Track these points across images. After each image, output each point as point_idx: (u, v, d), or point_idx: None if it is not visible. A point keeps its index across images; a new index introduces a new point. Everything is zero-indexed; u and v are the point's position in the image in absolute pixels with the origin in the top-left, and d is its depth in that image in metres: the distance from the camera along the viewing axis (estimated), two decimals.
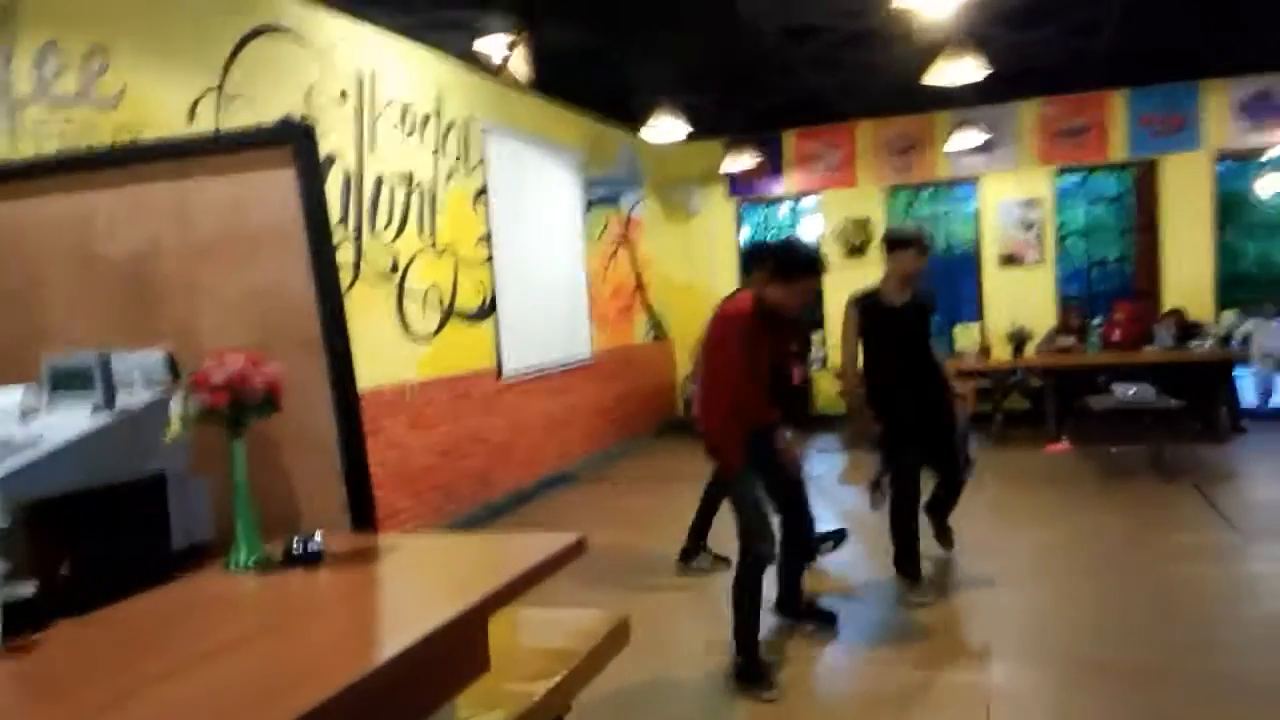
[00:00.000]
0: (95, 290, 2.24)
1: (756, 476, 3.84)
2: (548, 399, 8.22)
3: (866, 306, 4.75)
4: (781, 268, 3.76)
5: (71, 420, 1.88)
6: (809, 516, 4.22)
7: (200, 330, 2.18)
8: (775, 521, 3.95)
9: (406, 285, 6.34)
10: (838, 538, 5.54)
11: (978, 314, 10.45)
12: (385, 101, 6.19)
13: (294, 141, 2.11)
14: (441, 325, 6.73)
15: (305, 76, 5.51)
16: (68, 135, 4.08)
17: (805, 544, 4.35)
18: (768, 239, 11.53)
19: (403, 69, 6.43)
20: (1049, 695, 3.58)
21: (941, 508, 5.12)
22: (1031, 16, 6.91)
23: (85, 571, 1.67)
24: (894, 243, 4.74)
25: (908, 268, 4.66)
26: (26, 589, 1.53)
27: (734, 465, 3.79)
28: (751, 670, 3.71)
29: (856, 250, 10.60)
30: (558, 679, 2.28)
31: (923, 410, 4.66)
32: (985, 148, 9.89)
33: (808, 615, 4.36)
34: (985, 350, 9.76)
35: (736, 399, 3.74)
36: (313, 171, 2.12)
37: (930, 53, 6.45)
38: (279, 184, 2.12)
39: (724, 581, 4.43)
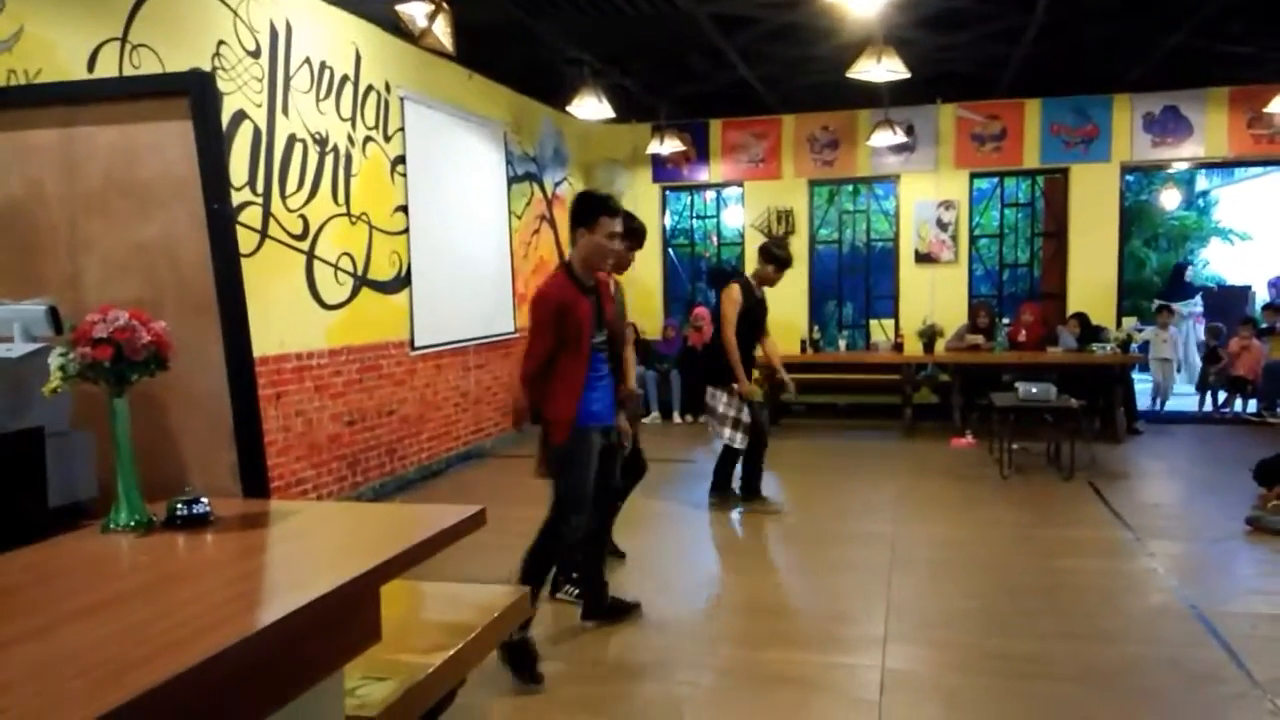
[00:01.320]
0: None
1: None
2: (463, 374, 8.13)
3: (747, 294, 6.08)
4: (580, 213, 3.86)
5: None
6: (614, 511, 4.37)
7: (86, 285, 2.10)
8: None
9: (317, 251, 6.17)
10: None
11: (893, 309, 10.68)
12: (300, 60, 6.01)
13: (192, 92, 2.03)
14: (353, 294, 6.59)
15: (215, 29, 5.31)
16: None
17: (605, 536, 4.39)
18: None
19: (319, 27, 6.25)
20: (942, 680, 3.68)
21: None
22: (953, 21, 7.06)
23: None
24: (772, 255, 6.18)
25: (769, 276, 6.20)
26: None
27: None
28: (523, 651, 3.59)
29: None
30: (453, 651, 2.26)
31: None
32: (905, 148, 10.10)
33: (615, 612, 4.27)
34: (898, 345, 9.98)
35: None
36: (211, 125, 2.05)
37: (855, 50, 6.54)
38: (175, 136, 2.04)
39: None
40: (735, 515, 6.32)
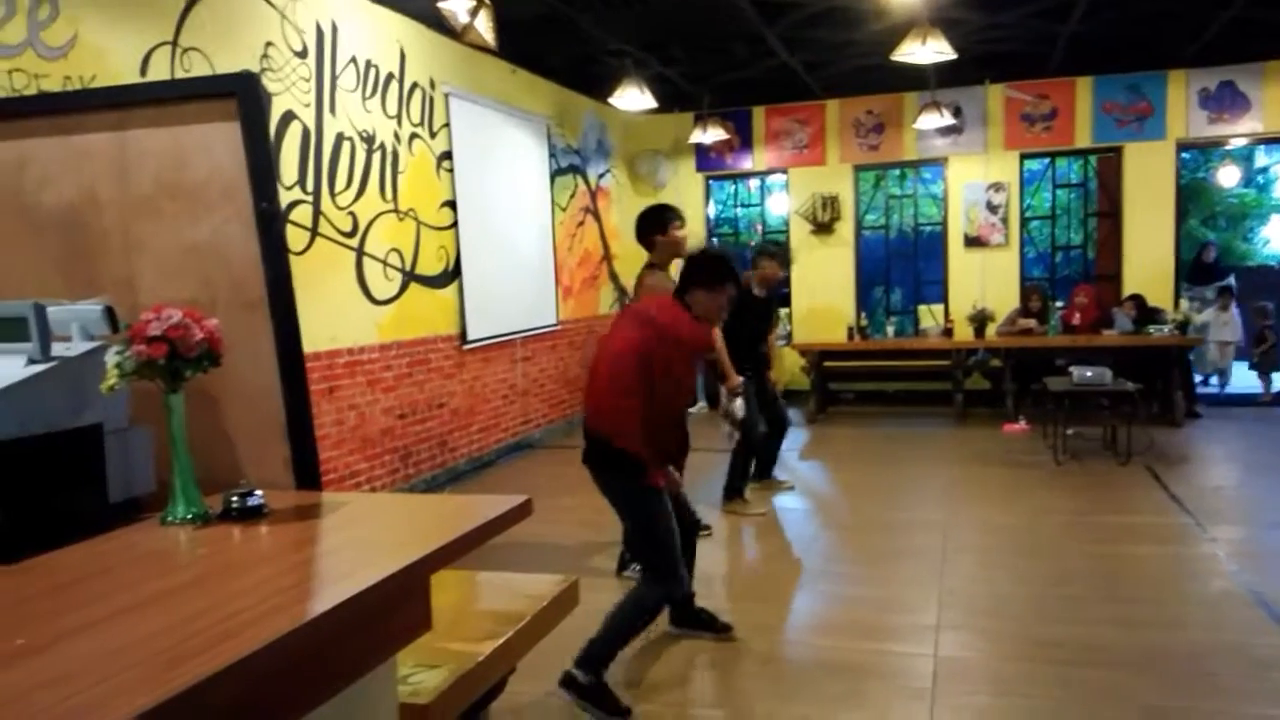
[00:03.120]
0: (29, 241, 2.18)
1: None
2: (511, 366, 8.19)
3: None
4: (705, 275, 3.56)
5: (5, 369, 1.84)
6: (690, 509, 4.16)
7: (140, 286, 2.14)
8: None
9: (366, 248, 6.26)
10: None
11: (942, 294, 10.53)
12: (346, 59, 6.09)
13: (240, 93, 2.06)
14: (402, 289, 6.66)
15: (263, 30, 5.40)
16: (13, 85, 3.97)
17: (691, 549, 3.98)
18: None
19: (364, 26, 6.32)
20: (994, 668, 3.64)
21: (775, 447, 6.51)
22: (1000, 0, 6.93)
23: (17, 519, 1.64)
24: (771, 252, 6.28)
25: (770, 274, 6.19)
26: None
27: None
28: (605, 697, 3.31)
29: (824, 228, 10.63)
30: (503, 639, 2.29)
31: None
32: (953, 130, 9.94)
33: (697, 620, 4.04)
34: (948, 330, 9.85)
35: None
36: (259, 125, 2.08)
37: (900, 32, 6.45)
38: (223, 137, 2.08)
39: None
40: (783, 502, 6.30)
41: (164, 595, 1.47)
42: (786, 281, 10.26)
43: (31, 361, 1.87)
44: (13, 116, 2.24)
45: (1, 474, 1.65)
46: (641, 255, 5.03)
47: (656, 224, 4.86)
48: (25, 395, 1.80)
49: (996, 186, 10.16)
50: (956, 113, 9.78)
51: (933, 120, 9.08)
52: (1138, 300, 9.40)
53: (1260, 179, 15.94)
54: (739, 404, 5.01)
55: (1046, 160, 10.62)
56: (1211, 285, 11.08)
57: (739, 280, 3.64)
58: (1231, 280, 11.67)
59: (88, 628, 1.33)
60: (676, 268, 4.01)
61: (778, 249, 6.40)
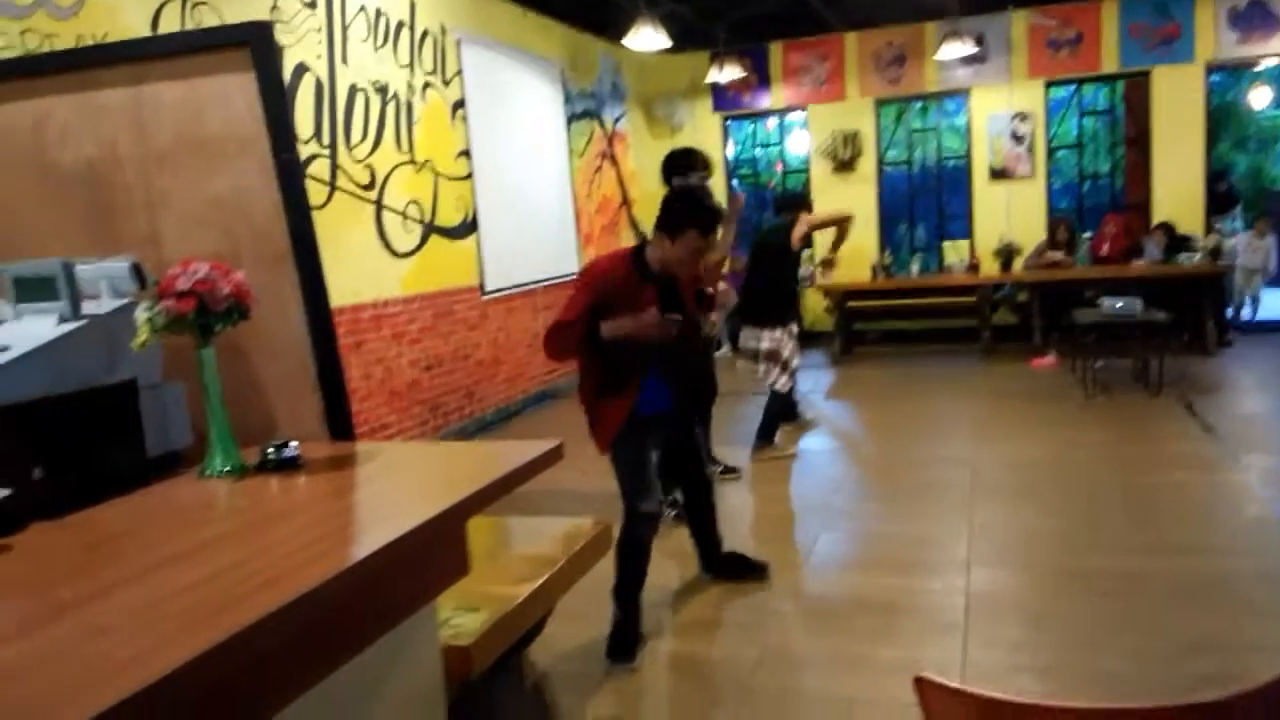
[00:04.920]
0: (53, 200, 2.18)
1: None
2: (534, 315, 8.19)
3: None
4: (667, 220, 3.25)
5: (38, 328, 1.85)
6: (704, 466, 3.87)
7: (164, 241, 2.14)
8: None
9: (385, 201, 6.24)
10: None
11: (967, 229, 10.39)
12: (356, 8, 6.01)
13: (252, 42, 2.04)
14: (423, 241, 6.65)
15: None
16: (25, 45, 3.95)
17: (707, 495, 3.89)
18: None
19: None
20: (1027, 600, 3.65)
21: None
22: None
23: (58, 476, 1.66)
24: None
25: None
26: None
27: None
28: (616, 634, 3.33)
29: (845, 165, 10.48)
30: (540, 582, 2.31)
31: None
32: (975, 60, 9.71)
33: (732, 569, 3.99)
34: (973, 266, 9.73)
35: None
36: (273, 74, 2.06)
37: None
38: (238, 88, 2.06)
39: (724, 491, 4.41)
40: (810, 442, 6.30)
41: (205, 546, 1.48)
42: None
43: (62, 320, 1.88)
44: (29, 75, 2.22)
45: (40, 432, 1.66)
46: (658, 201, 4.96)
47: (680, 168, 4.76)
48: (58, 354, 1.82)
49: (1021, 116, 9.95)
50: (979, 41, 9.55)
51: (955, 50, 8.88)
52: (1167, 228, 9.24)
53: None
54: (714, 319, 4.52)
55: (1072, 87, 10.39)
56: (1226, 215, 10.87)
57: (709, 224, 3.21)
58: (1238, 210, 11.45)
59: (132, 580, 1.35)
60: None
61: (792, 198, 6.26)
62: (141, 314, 1.79)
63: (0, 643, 1.14)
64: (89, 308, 1.93)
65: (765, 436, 5.98)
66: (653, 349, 3.30)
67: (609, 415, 3.36)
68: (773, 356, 5.78)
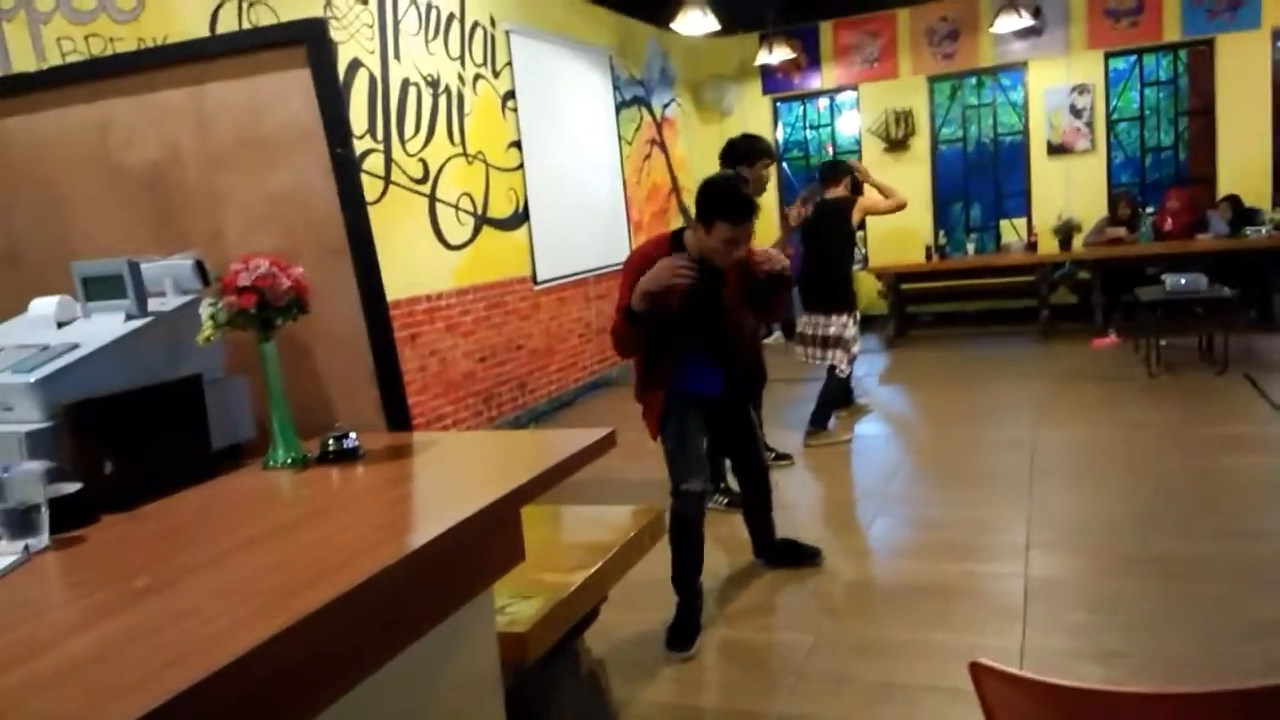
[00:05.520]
0: (118, 200, 2.25)
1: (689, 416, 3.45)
2: (585, 305, 8.23)
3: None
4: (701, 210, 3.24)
5: (106, 326, 1.92)
6: (760, 454, 3.86)
7: (226, 239, 2.20)
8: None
9: (438, 194, 6.31)
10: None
11: (1025, 207, 10.19)
12: (407, 3, 6.07)
13: (307, 40, 2.08)
14: (475, 233, 6.72)
15: None
16: (90, 49, 4.07)
17: (763, 484, 3.88)
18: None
19: None
20: (1088, 585, 3.59)
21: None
22: None
23: (128, 469, 1.72)
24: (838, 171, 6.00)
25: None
26: (71, 486, 1.59)
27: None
28: (675, 623, 3.37)
29: (898, 144, 10.34)
30: (593, 570, 2.34)
31: None
32: (1032, 32, 9.49)
33: (786, 556, 3.99)
34: (1032, 244, 9.55)
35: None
36: (328, 70, 2.09)
37: None
38: (295, 85, 2.10)
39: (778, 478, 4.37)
40: (865, 428, 6.25)
41: (272, 534, 1.53)
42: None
43: (129, 317, 1.94)
44: (94, 78, 2.29)
45: (109, 426, 1.72)
46: None
47: (744, 156, 4.62)
48: (126, 350, 1.87)
49: (1080, 89, 9.72)
50: (1036, 13, 9.33)
51: (1011, 22, 8.70)
52: (1234, 201, 8.96)
53: None
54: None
55: (1133, 58, 10.10)
56: None
57: (738, 214, 3.17)
58: None
59: (205, 566, 1.39)
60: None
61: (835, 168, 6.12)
62: (205, 310, 1.84)
63: (84, 628, 1.19)
64: (155, 305, 1.99)
65: (820, 422, 5.94)
66: (695, 321, 3.34)
67: (654, 399, 3.43)
68: (838, 343, 5.75)
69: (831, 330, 5.75)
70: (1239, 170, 9.36)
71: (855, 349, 5.85)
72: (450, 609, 1.65)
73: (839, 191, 5.87)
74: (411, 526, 1.62)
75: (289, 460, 1.89)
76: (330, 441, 1.91)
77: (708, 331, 3.42)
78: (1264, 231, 8.47)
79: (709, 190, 3.25)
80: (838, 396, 6.05)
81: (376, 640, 1.44)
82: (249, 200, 2.19)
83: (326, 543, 1.47)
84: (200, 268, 2.06)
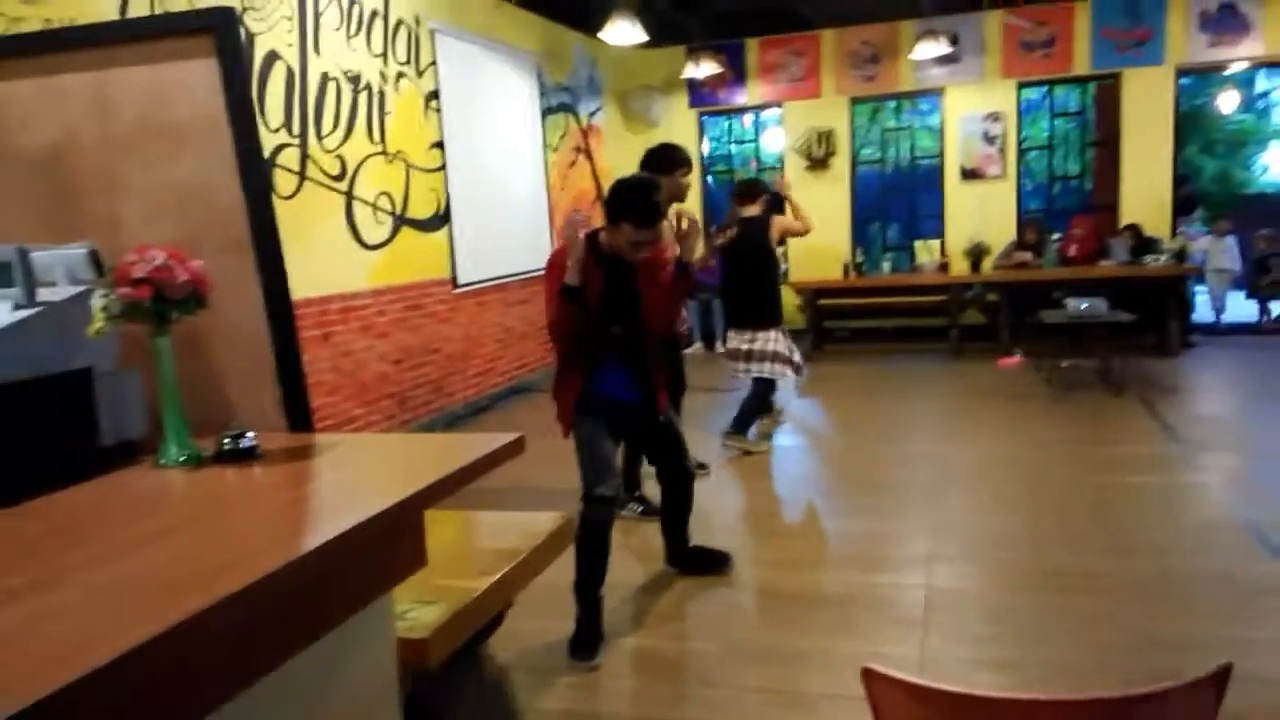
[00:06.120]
0: (11, 185, 2.16)
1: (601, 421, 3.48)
2: (506, 309, 8.17)
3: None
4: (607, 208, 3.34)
5: None
6: (685, 458, 3.82)
7: (123, 228, 2.12)
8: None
9: (355, 191, 6.20)
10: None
11: (939, 229, 10.48)
12: None
13: (216, 28, 2.02)
14: (394, 233, 6.62)
15: None
16: None
17: (687, 489, 3.88)
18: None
19: None
20: (987, 597, 3.70)
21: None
22: None
23: (10, 463, 1.65)
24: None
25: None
26: None
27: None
28: (577, 633, 3.33)
29: (819, 163, 10.53)
30: (499, 575, 2.32)
31: None
32: (949, 59, 9.79)
33: (697, 563, 4.02)
34: (944, 265, 9.82)
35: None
36: (237, 60, 2.04)
37: None
38: (202, 74, 2.05)
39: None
40: (777, 439, 6.34)
41: (160, 534, 1.48)
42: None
43: (18, 307, 1.86)
44: None
45: None
46: None
47: (662, 165, 4.64)
48: (13, 340, 1.80)
49: (994, 117, 10.05)
50: (953, 41, 9.62)
51: (930, 49, 8.95)
52: (1134, 230, 9.36)
53: (1260, 105, 15.77)
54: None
55: (1045, 89, 10.49)
56: (1187, 218, 11.06)
57: (642, 218, 3.24)
58: (1198, 213, 11.67)
59: (87, 565, 1.34)
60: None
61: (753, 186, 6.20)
62: (97, 301, 1.78)
63: None
64: (45, 295, 1.91)
65: (740, 428, 6.02)
66: (610, 317, 3.39)
67: (565, 395, 3.48)
68: (765, 356, 5.85)
69: (757, 345, 5.84)
70: (1140, 201, 9.78)
71: (796, 357, 5.98)
72: (346, 614, 1.62)
73: (755, 209, 5.94)
74: (306, 528, 1.59)
75: (182, 458, 1.83)
76: (226, 440, 1.85)
77: (623, 329, 3.45)
78: (1162, 260, 8.86)
79: (617, 191, 3.35)
80: (759, 406, 6.12)
81: (267, 644, 1.40)
82: (149, 189, 2.12)
83: (217, 543, 1.43)
84: (95, 257, 1.98)
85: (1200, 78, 13.24)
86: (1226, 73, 11.88)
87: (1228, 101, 13.78)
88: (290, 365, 2.11)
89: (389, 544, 1.70)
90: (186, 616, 1.11)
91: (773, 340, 5.84)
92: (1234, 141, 15.43)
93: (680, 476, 3.84)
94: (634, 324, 3.47)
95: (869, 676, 1.41)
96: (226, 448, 1.84)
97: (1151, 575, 3.76)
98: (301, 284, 2.22)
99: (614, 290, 3.37)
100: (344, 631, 1.61)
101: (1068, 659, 3.13)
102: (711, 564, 4.00)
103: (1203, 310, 10.70)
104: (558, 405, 3.53)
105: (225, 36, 2.02)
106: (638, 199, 3.27)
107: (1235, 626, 3.34)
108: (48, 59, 2.18)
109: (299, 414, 2.11)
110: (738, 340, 5.92)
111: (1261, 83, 15.55)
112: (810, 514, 4.92)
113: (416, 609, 2.10)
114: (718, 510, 4.95)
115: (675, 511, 3.93)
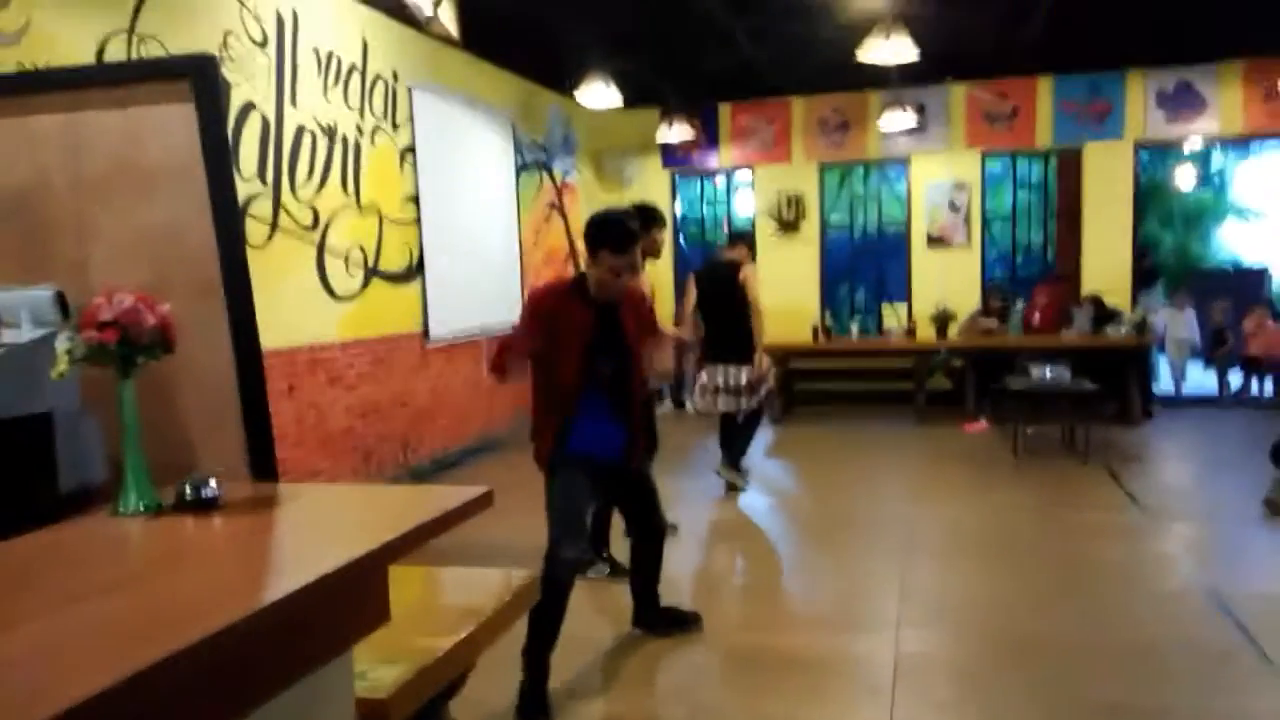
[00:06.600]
0: None
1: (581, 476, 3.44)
2: (475, 365, 8.13)
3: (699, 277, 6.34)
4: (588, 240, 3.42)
5: None
6: (659, 515, 3.81)
7: (91, 271, 2.09)
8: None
9: (328, 242, 6.18)
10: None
11: (906, 293, 10.62)
12: (308, 49, 6.01)
13: (194, 74, 2.02)
14: (364, 285, 6.60)
15: (222, 19, 5.32)
16: None
17: (659, 546, 3.85)
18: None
19: (325, 17, 6.24)
20: (955, 663, 3.67)
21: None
22: None
23: None
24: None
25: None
26: None
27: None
28: (524, 702, 3.23)
29: (789, 226, 10.67)
30: (463, 635, 2.26)
31: None
32: (916, 129, 9.99)
33: (666, 623, 3.95)
34: (911, 330, 9.93)
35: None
36: (213, 107, 2.04)
37: (865, 29, 6.48)
38: (177, 119, 2.04)
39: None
40: (746, 500, 6.32)
41: (115, 584, 1.43)
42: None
43: None
44: None
45: None
46: None
47: (641, 223, 4.85)
48: None
49: (959, 186, 10.26)
50: (920, 110, 9.84)
51: (897, 119, 9.16)
52: (1096, 301, 9.54)
53: (1216, 180, 16.24)
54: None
55: (1008, 160, 10.75)
56: (1147, 289, 11.36)
57: (620, 242, 3.30)
58: (1159, 285, 12.02)
59: (36, 615, 1.29)
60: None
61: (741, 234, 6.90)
62: (61, 344, 1.74)
63: None
64: (8, 336, 1.87)
65: (740, 455, 6.40)
66: (599, 366, 3.41)
67: (545, 431, 3.47)
68: (752, 389, 6.13)
69: (744, 379, 6.11)
70: (1101, 271, 9.98)
71: (768, 384, 6.29)
72: (304, 671, 1.57)
73: (733, 253, 6.29)
74: (265, 581, 1.54)
75: (141, 507, 1.78)
76: (187, 489, 1.81)
77: (612, 377, 3.45)
78: (1123, 331, 9.02)
79: (594, 222, 3.42)
80: (750, 438, 6.41)
81: (221, 701, 1.35)
82: (119, 233, 2.09)
83: (172, 595, 1.38)
84: (60, 299, 1.95)
85: (1158, 152, 13.63)
86: (1185, 150, 12.27)
87: (1185, 177, 14.19)
88: (256, 412, 2.07)
89: (351, 599, 1.66)
90: (137, 670, 1.07)
91: (751, 372, 6.12)
92: (1191, 215, 15.85)
93: (653, 532, 3.81)
94: (624, 364, 3.49)
95: None
96: (188, 496, 1.80)
97: (1118, 643, 3.76)
98: (270, 334, 2.19)
99: (604, 336, 3.41)
100: (302, 689, 1.56)
101: None
102: (680, 624, 3.94)
103: (1163, 380, 10.88)
104: (536, 445, 3.51)
105: (203, 82, 2.02)
106: (612, 224, 3.37)
107: (1199, 695, 3.33)
108: (21, 100, 2.16)
109: (264, 463, 2.06)
110: (718, 375, 6.15)
111: (1218, 159, 16.05)
112: (779, 575, 4.88)
113: (376, 668, 2.03)
114: (686, 571, 4.90)
115: (646, 568, 3.89)
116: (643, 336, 3.57)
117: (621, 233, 3.33)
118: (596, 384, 3.43)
